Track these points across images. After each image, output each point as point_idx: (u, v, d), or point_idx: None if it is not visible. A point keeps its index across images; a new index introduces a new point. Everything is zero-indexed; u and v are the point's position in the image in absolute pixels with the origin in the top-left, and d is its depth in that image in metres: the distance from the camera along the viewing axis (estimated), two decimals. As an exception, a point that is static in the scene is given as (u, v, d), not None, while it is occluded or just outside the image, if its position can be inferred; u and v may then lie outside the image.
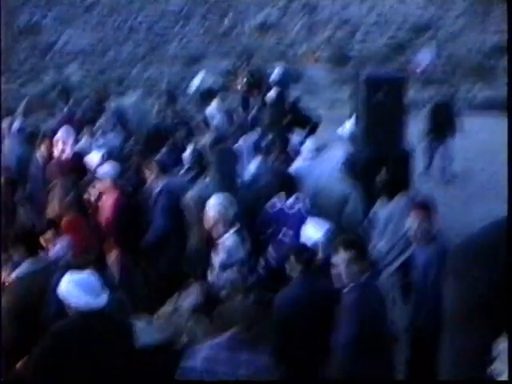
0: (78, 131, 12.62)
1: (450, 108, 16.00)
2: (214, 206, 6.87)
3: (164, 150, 10.94)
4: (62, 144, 11.11)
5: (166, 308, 6.34)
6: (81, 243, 7.20)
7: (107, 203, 9.05)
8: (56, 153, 11.10)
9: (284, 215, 8.18)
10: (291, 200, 8.18)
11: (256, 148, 10.97)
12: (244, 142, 10.82)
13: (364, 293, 5.61)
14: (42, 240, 7.47)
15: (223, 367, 5.15)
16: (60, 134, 11.33)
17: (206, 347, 5.22)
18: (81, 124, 13.54)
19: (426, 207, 6.81)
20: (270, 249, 8.20)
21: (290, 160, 9.63)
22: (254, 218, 8.60)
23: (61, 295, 5.07)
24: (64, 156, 10.95)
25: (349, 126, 10.49)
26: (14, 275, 6.53)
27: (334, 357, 5.69)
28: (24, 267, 6.45)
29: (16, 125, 14.08)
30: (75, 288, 4.95)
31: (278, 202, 8.23)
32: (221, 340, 5.32)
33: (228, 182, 8.42)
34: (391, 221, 8.01)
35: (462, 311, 3.99)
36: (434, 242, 6.60)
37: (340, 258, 5.62)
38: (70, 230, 7.43)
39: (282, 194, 8.36)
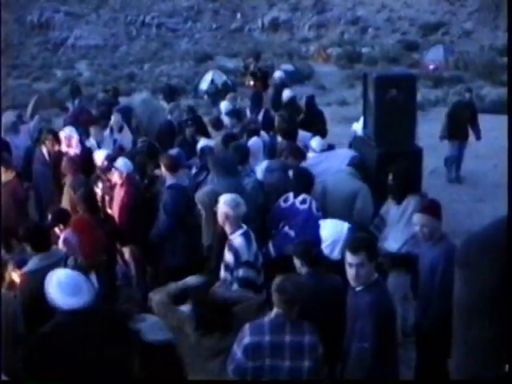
0: (87, 127, 12.63)
1: (472, 108, 15.17)
2: (222, 206, 6.85)
3: (175, 146, 10.94)
4: (68, 140, 11.09)
5: (156, 296, 6.26)
6: (90, 244, 7.18)
7: (119, 196, 9.05)
8: (63, 149, 11.08)
9: (295, 210, 8.16)
10: (303, 196, 8.15)
11: (269, 145, 10.92)
12: (256, 140, 10.75)
13: (378, 293, 5.60)
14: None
15: (268, 352, 5.16)
16: (66, 131, 11.31)
17: (248, 333, 5.24)
18: (89, 120, 13.57)
19: (433, 207, 6.78)
20: (272, 240, 8.17)
21: (301, 157, 9.55)
22: (266, 214, 8.57)
23: (46, 294, 5.04)
24: (72, 152, 10.92)
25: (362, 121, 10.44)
26: (24, 270, 6.55)
27: (349, 358, 5.68)
28: (34, 262, 6.46)
29: (26, 120, 14.14)
30: (55, 287, 4.91)
31: (292, 196, 8.20)
32: (263, 323, 5.31)
33: (234, 179, 8.37)
34: (401, 220, 7.99)
35: (471, 301, 4.01)
36: (442, 241, 6.59)
37: (349, 262, 5.61)
38: (78, 230, 7.44)
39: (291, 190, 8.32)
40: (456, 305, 4.15)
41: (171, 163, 8.80)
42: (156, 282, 8.55)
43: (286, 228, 8.05)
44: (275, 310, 5.29)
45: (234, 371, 5.27)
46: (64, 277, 4.95)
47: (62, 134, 11.21)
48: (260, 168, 9.42)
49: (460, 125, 14.63)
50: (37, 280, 6.21)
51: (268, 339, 5.17)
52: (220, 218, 6.85)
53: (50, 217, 7.99)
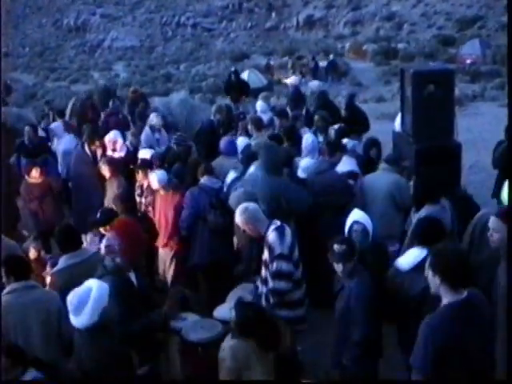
0: (120, 130, 12.69)
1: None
2: (238, 217, 6.79)
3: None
4: (113, 144, 11.09)
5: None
6: (131, 245, 7.23)
7: (173, 201, 9.00)
8: (109, 153, 11.06)
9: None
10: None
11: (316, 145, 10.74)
12: (312, 137, 10.59)
13: None
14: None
15: None
16: (111, 136, 11.29)
17: None
18: (118, 123, 13.68)
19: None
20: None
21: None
22: (314, 213, 8.45)
23: None
24: (117, 156, 10.90)
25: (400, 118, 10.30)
26: (53, 271, 6.75)
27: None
28: (61, 262, 6.64)
29: (65, 122, 14.26)
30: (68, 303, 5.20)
31: None
32: None
33: (276, 177, 8.30)
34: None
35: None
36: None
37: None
38: (121, 233, 7.51)
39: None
40: (499, 294, 4.19)
41: (207, 169, 8.79)
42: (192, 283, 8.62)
43: None
44: None
45: None
46: (72, 294, 5.20)
47: (107, 139, 11.23)
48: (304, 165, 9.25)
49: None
50: (63, 278, 6.40)
51: None
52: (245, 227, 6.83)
53: (98, 215, 8.13)
